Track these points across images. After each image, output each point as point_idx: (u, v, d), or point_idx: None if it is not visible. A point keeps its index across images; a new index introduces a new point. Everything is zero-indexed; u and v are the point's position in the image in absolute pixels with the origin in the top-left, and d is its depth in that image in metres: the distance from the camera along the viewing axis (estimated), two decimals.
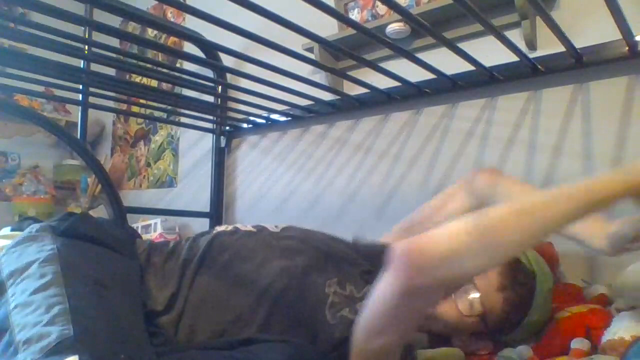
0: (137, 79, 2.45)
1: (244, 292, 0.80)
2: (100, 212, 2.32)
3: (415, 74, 1.32)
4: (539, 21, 1.25)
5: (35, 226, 0.80)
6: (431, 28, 1.04)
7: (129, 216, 1.72)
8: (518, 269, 0.83)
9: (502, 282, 0.82)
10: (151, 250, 0.85)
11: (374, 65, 1.25)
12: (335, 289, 0.84)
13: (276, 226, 0.93)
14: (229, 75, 1.90)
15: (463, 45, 1.14)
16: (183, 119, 2.06)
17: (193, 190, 2.27)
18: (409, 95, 1.47)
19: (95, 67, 1.59)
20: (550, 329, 0.89)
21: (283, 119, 1.81)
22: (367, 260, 0.89)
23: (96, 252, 0.78)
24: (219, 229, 0.93)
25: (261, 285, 0.80)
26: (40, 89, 1.65)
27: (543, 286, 0.84)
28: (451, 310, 0.84)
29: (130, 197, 2.62)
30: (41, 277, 0.64)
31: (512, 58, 1.18)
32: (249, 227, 0.92)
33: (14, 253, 0.73)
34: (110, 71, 2.06)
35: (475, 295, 0.83)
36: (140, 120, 2.66)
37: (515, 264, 0.83)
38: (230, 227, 0.92)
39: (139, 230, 2.10)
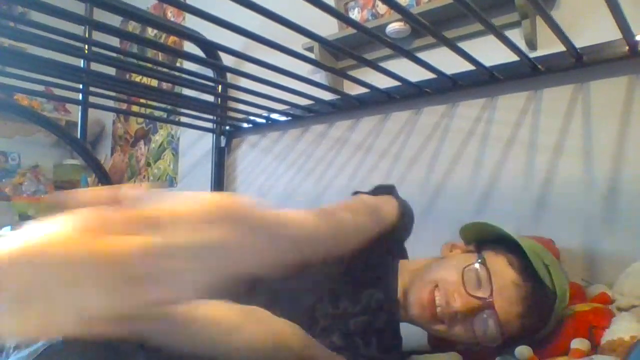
0: (137, 78, 2.45)
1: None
2: None
3: (415, 73, 1.32)
4: (539, 20, 1.25)
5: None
6: (431, 27, 1.04)
7: None
8: (544, 296, 0.76)
9: (523, 310, 0.75)
10: None
11: (374, 65, 1.25)
12: (326, 311, 0.81)
13: None
14: (229, 75, 1.90)
15: (463, 45, 1.14)
16: (183, 119, 2.06)
17: (193, 189, 2.27)
18: (409, 95, 1.46)
19: (95, 66, 1.59)
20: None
21: (283, 118, 1.81)
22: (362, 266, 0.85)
23: None
24: None
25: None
26: (40, 88, 1.65)
27: (560, 306, 0.79)
28: (481, 336, 0.78)
29: None
30: None
31: (512, 57, 1.17)
32: None
33: None
34: (111, 70, 2.06)
35: (496, 330, 0.76)
36: (140, 119, 2.66)
37: (540, 288, 0.76)
38: None
39: None
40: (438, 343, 0.94)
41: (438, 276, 0.81)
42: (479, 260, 0.79)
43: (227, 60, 1.83)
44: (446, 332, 0.81)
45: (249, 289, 0.79)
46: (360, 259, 0.82)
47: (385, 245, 0.86)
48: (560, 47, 1.12)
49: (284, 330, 0.67)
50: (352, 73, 1.48)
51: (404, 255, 0.97)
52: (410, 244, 1.01)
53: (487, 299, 0.75)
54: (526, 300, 0.75)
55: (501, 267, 0.78)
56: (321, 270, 0.81)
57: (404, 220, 0.89)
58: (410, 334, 0.94)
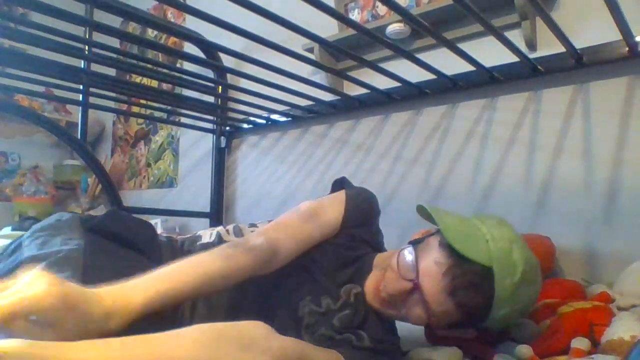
0: (138, 79, 2.45)
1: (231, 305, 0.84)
2: (100, 212, 2.32)
3: (415, 74, 1.32)
4: (539, 21, 1.25)
5: (66, 215, 0.79)
6: (431, 28, 1.04)
7: None
8: (468, 270, 0.75)
9: (451, 285, 0.76)
10: (174, 255, 0.82)
11: (374, 66, 1.25)
12: (310, 308, 0.83)
13: (252, 231, 0.94)
14: (229, 76, 1.91)
15: (463, 46, 1.14)
16: (183, 119, 2.06)
17: (193, 190, 2.27)
18: (409, 96, 1.47)
19: (95, 67, 1.59)
20: (553, 323, 0.90)
21: (283, 119, 1.81)
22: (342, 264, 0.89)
23: (122, 256, 0.76)
24: (206, 235, 0.94)
25: (240, 308, 0.84)
26: (40, 89, 1.66)
27: (505, 281, 0.76)
28: (412, 318, 0.82)
29: (131, 197, 2.62)
30: (58, 273, 0.62)
31: (512, 58, 1.18)
32: (231, 235, 0.94)
33: (39, 238, 0.72)
34: (111, 71, 2.06)
35: (419, 308, 0.79)
36: (140, 120, 2.67)
37: (466, 264, 0.75)
38: (214, 236, 0.93)
39: None
40: (435, 339, 0.94)
41: (387, 263, 0.84)
42: (410, 245, 0.83)
43: (227, 61, 1.83)
44: (398, 316, 0.84)
45: (241, 291, 0.84)
46: (330, 257, 0.88)
47: (348, 238, 0.90)
48: (560, 48, 1.12)
49: None
50: (352, 74, 1.49)
51: (380, 247, 0.98)
52: None
53: (415, 280, 0.78)
54: (447, 276, 0.76)
55: (430, 248, 0.80)
56: (295, 272, 0.86)
57: (353, 212, 0.91)
58: (410, 331, 0.94)
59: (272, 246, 0.80)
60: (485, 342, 0.91)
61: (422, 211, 0.86)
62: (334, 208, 0.90)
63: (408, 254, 0.81)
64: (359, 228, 0.92)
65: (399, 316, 0.83)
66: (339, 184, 0.99)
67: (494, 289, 0.75)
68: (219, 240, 0.92)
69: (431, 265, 0.77)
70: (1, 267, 0.69)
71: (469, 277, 0.75)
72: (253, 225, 0.99)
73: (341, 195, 0.93)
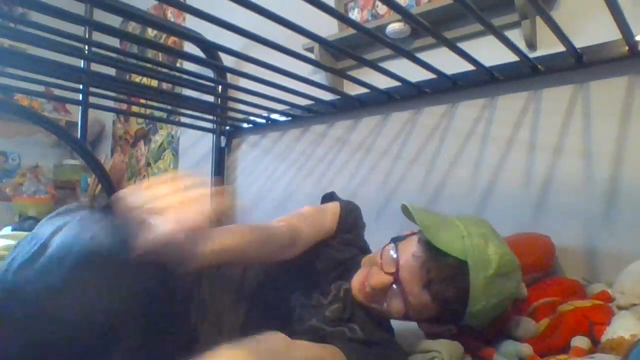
0: (137, 78, 2.45)
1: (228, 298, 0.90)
2: None
3: (415, 73, 1.32)
4: (539, 21, 1.25)
5: (74, 203, 0.83)
6: (431, 28, 1.04)
7: None
8: (444, 264, 0.79)
9: (427, 277, 0.79)
10: None
11: (374, 65, 1.25)
12: (301, 301, 0.90)
13: None
14: (229, 75, 1.91)
15: (463, 45, 1.14)
16: (183, 119, 2.06)
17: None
18: (409, 95, 1.47)
19: (95, 67, 1.59)
20: (553, 322, 0.90)
21: (283, 118, 1.81)
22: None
23: None
24: None
25: (241, 292, 0.91)
26: (40, 88, 1.65)
27: (479, 274, 0.78)
28: (392, 311, 0.86)
29: None
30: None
31: (512, 58, 1.18)
32: None
33: (55, 218, 0.76)
34: (111, 71, 2.06)
35: (398, 301, 0.83)
36: (140, 120, 2.67)
37: (442, 258, 0.80)
38: None
39: None
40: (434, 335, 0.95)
41: (372, 260, 0.90)
42: (392, 242, 0.88)
43: (227, 60, 1.83)
44: (382, 311, 0.87)
45: (239, 281, 0.91)
46: (322, 257, 0.95)
47: (340, 241, 0.98)
48: (560, 48, 1.12)
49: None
50: (352, 73, 1.49)
51: (368, 251, 1.03)
52: None
53: (395, 274, 0.83)
54: (424, 269, 0.80)
55: (410, 244, 0.85)
56: (289, 268, 0.92)
57: (346, 218, 1.00)
58: (412, 331, 0.94)
59: (293, 232, 0.88)
60: (486, 340, 0.91)
61: (405, 211, 0.90)
62: (330, 213, 0.99)
63: (390, 250, 0.86)
64: (350, 234, 1.00)
65: (383, 310, 0.87)
66: (329, 197, 1.07)
67: (469, 282, 0.79)
68: None
69: (409, 259, 0.82)
70: (23, 254, 0.69)
71: (445, 270, 0.80)
72: None
73: (335, 204, 1.02)
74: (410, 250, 0.83)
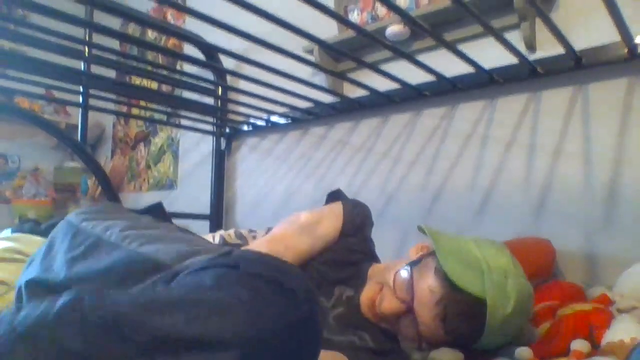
0: (137, 81, 2.45)
1: None
2: None
3: (415, 76, 1.32)
4: (538, 23, 1.25)
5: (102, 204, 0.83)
6: (431, 30, 1.04)
7: None
8: (461, 300, 0.76)
9: (443, 313, 0.77)
10: None
11: (374, 68, 1.25)
12: None
13: (254, 237, 0.99)
14: (229, 77, 1.91)
15: (462, 47, 1.14)
16: (183, 121, 2.06)
17: (193, 192, 2.27)
18: (408, 97, 1.47)
19: (95, 69, 1.59)
20: (553, 326, 0.89)
21: (283, 121, 1.81)
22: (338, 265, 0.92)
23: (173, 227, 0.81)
24: (208, 238, 0.97)
25: None
26: (40, 91, 1.65)
27: (497, 313, 0.76)
28: (403, 336, 0.84)
29: (131, 199, 2.62)
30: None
31: (512, 60, 1.18)
32: (234, 238, 1.01)
33: (98, 212, 0.75)
34: (111, 73, 2.06)
35: (411, 329, 0.81)
36: (140, 122, 2.67)
37: (460, 294, 0.76)
38: (218, 239, 0.97)
39: None
40: None
41: (384, 278, 0.86)
42: (407, 266, 0.84)
43: (227, 62, 1.84)
44: (393, 330, 0.85)
45: None
46: (326, 261, 0.92)
47: (344, 246, 0.94)
48: (559, 50, 1.12)
49: None
50: (352, 75, 1.49)
51: (373, 255, 1.01)
52: (407, 245, 1.02)
53: (409, 303, 0.80)
54: (440, 305, 0.77)
55: (427, 272, 0.81)
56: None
57: (350, 222, 0.96)
58: None
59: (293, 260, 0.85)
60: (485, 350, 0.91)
61: (421, 231, 0.88)
62: (333, 219, 0.95)
63: (405, 274, 0.83)
64: (354, 237, 0.96)
65: (392, 330, 0.85)
66: (334, 196, 1.04)
67: (485, 320, 0.76)
68: (224, 243, 0.94)
69: (426, 291, 0.79)
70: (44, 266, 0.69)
71: (462, 307, 0.77)
72: (252, 231, 1.02)
73: (338, 207, 0.98)
74: (427, 280, 0.79)
